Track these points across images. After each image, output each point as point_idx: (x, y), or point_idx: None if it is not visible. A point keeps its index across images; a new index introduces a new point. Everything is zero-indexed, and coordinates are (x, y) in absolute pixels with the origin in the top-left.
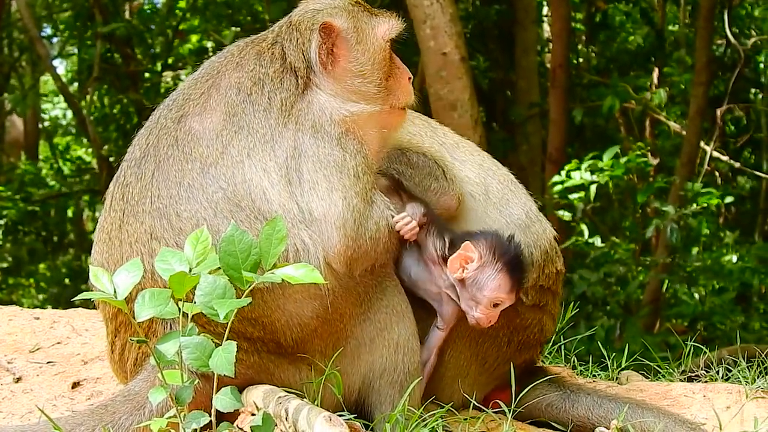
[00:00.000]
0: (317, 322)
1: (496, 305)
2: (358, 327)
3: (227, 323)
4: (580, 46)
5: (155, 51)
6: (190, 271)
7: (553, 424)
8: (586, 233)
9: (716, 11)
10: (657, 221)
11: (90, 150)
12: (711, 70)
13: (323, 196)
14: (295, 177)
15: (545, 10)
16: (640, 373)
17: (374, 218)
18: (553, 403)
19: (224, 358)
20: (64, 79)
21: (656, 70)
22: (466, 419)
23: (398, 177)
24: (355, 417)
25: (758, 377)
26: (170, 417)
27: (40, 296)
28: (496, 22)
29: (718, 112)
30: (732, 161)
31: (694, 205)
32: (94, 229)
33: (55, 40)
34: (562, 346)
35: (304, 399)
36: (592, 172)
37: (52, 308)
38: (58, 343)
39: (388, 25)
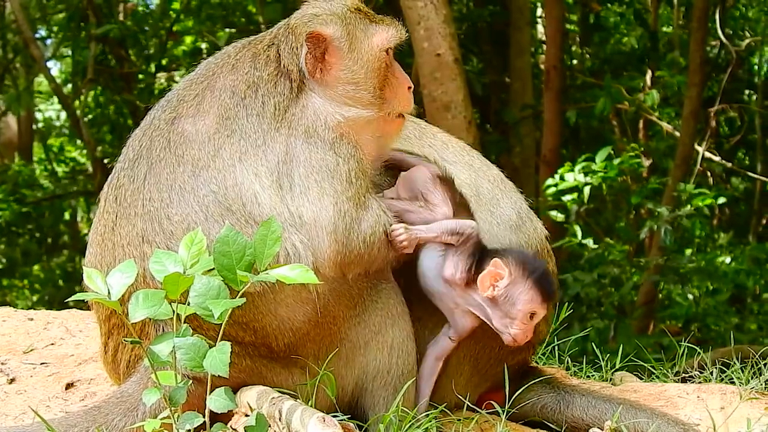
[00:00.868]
0: (309, 326)
1: (531, 317)
2: (352, 330)
3: (219, 326)
4: (574, 48)
5: (149, 52)
6: (184, 272)
7: (548, 424)
8: (579, 234)
9: (710, 12)
10: (650, 222)
11: (84, 151)
12: (704, 71)
13: (314, 201)
14: (287, 182)
15: (539, 11)
16: (634, 374)
17: (368, 222)
18: (547, 404)
19: (218, 358)
20: (58, 81)
21: (649, 71)
22: (459, 420)
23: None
24: (349, 418)
25: (752, 378)
26: (164, 418)
27: (34, 297)
28: (490, 24)
29: (711, 112)
30: (725, 162)
31: (688, 207)
32: (89, 230)
33: (49, 41)
34: (556, 347)
35: (298, 400)
36: (586, 174)
37: (46, 309)
38: (52, 344)
39: (386, 35)
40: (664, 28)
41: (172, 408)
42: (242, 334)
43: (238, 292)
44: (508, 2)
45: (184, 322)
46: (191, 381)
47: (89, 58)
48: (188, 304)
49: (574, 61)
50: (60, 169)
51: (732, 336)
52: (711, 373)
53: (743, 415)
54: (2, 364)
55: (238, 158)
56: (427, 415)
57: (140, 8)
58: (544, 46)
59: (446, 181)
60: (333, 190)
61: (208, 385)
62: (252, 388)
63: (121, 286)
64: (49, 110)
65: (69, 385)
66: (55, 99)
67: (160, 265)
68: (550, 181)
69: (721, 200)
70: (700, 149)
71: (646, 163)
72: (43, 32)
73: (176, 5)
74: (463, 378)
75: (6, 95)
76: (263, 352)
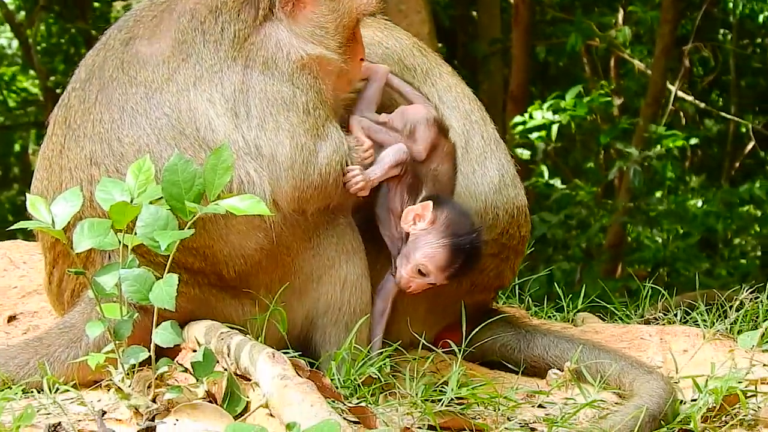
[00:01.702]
0: (261, 255)
1: (422, 275)
2: (306, 262)
3: (168, 255)
4: None
5: None
6: (132, 201)
7: (506, 364)
8: (547, 174)
9: None
10: (620, 163)
11: (36, 81)
12: (678, 8)
13: (270, 135)
14: (243, 111)
15: None
16: (597, 316)
17: (326, 153)
18: (507, 344)
19: (165, 291)
20: (10, 8)
21: (621, 7)
22: (415, 359)
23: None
24: (299, 355)
25: (717, 321)
26: (108, 352)
27: None
28: None
29: (685, 50)
30: (698, 102)
31: (659, 147)
32: None
33: None
34: (516, 287)
35: (247, 335)
36: (555, 112)
37: None
38: None
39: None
40: None
41: (117, 342)
42: (192, 260)
43: (187, 222)
44: None
45: (132, 251)
46: (138, 312)
47: None
48: (135, 234)
49: None
50: (11, 100)
51: (698, 279)
52: (675, 316)
53: (707, 358)
54: None
55: (192, 83)
56: (381, 353)
57: None
58: None
59: (442, 129)
60: (289, 124)
61: (154, 318)
62: (200, 322)
63: (65, 215)
64: (1, 38)
65: (11, 318)
66: (7, 27)
67: (107, 193)
68: (518, 119)
69: (693, 141)
70: (673, 88)
71: (617, 102)
72: None
73: None
74: (419, 316)
75: None
76: (213, 281)
